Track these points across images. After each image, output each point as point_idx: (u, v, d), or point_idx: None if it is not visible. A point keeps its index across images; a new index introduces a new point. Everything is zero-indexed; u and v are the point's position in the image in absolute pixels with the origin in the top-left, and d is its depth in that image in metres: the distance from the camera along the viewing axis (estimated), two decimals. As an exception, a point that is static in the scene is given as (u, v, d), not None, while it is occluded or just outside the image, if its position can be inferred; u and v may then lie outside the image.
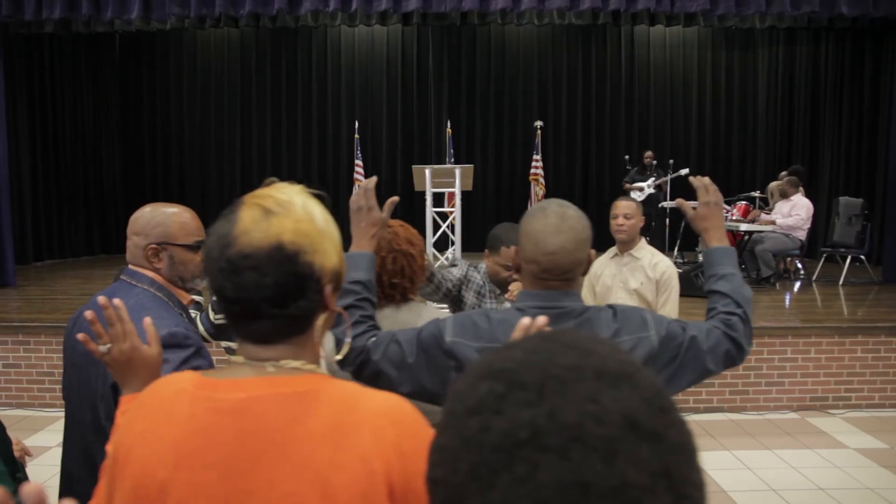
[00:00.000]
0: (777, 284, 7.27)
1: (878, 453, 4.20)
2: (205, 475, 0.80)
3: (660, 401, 0.46)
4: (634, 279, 3.24)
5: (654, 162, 8.95)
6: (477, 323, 1.38)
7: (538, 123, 10.53)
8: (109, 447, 0.98)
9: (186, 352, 1.47)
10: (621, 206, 3.30)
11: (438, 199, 7.40)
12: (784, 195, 7.38)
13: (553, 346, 0.49)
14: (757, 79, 11.28)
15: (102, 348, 1.15)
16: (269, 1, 6.89)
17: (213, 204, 11.18)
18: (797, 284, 7.62)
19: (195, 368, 1.32)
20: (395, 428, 0.81)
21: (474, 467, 0.44)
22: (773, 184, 8.68)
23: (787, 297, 6.85)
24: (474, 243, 10.66)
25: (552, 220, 1.35)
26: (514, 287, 2.28)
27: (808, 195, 7.67)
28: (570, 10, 7.57)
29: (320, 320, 0.89)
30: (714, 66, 11.36)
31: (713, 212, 1.68)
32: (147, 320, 1.19)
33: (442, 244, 6.05)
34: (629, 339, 1.37)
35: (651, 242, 8.71)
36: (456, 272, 2.57)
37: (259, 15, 7.67)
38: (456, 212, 5.56)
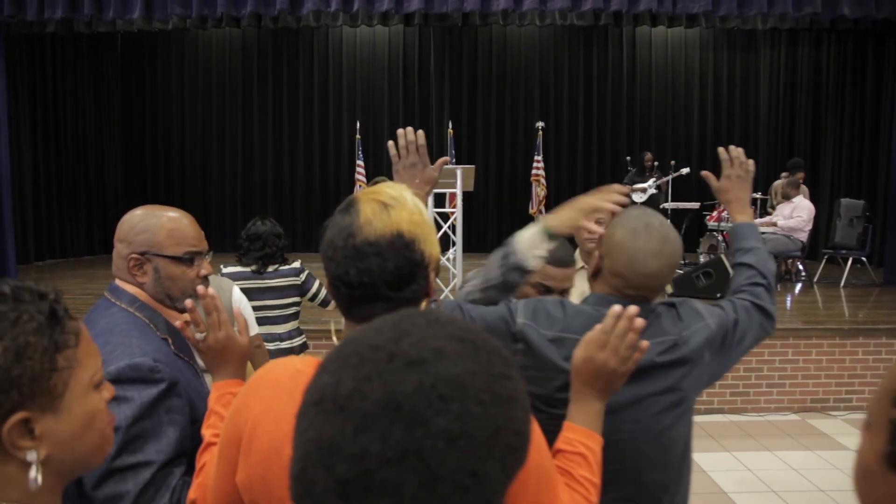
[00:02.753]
0: (778, 286, 7.26)
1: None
2: None
3: (445, 389, 0.49)
4: None
5: (655, 163, 8.93)
6: (551, 312, 1.35)
7: (539, 124, 10.52)
8: (206, 431, 1.16)
9: (153, 389, 1.20)
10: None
11: (440, 200, 7.40)
12: (786, 197, 7.37)
13: (385, 325, 0.55)
14: (758, 80, 11.27)
15: (199, 336, 1.23)
16: (270, 1, 6.89)
17: (215, 203, 11.19)
18: (798, 286, 7.62)
19: (168, 410, 1.20)
20: None
21: (298, 414, 0.55)
22: (777, 183, 8.68)
23: (789, 299, 6.84)
24: (475, 244, 10.67)
25: (655, 243, 1.29)
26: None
27: (809, 194, 7.67)
28: (571, 11, 7.57)
29: (422, 306, 0.97)
30: (716, 67, 11.35)
31: (735, 184, 1.67)
32: (237, 309, 1.30)
33: (443, 245, 6.03)
34: (693, 330, 1.36)
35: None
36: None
37: (261, 15, 7.68)
38: (457, 212, 5.56)
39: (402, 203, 0.95)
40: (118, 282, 1.42)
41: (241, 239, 3.26)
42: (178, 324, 1.23)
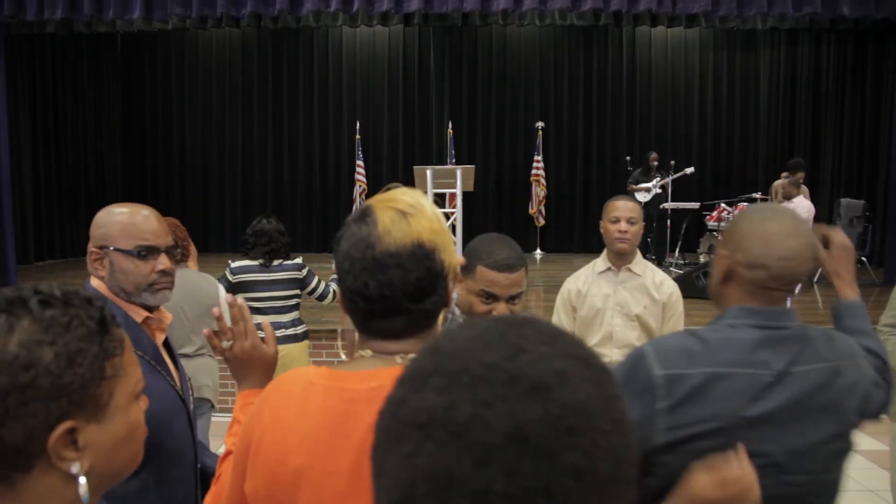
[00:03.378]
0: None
1: (878, 455, 4.20)
2: (338, 463, 0.87)
3: (573, 419, 0.45)
4: (636, 302, 2.56)
5: (656, 163, 8.91)
6: (687, 347, 1.16)
7: (539, 124, 10.53)
8: (228, 439, 1.13)
9: None
10: (623, 208, 2.53)
11: (440, 200, 7.40)
12: (788, 196, 7.36)
13: (493, 338, 0.49)
14: (758, 80, 11.27)
15: (225, 344, 1.21)
16: (270, 1, 6.89)
17: (215, 203, 11.19)
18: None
19: None
20: None
21: (386, 431, 0.49)
22: (777, 183, 8.67)
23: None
24: (475, 244, 10.65)
25: (787, 223, 1.19)
26: None
27: (810, 194, 7.67)
28: (571, 11, 7.57)
29: (441, 316, 0.96)
30: (715, 67, 11.34)
31: (841, 257, 1.46)
32: (265, 321, 1.29)
33: (443, 245, 6.05)
34: (849, 365, 1.21)
35: (653, 244, 8.74)
36: None
37: (260, 15, 7.68)
38: (457, 212, 5.56)
39: (420, 211, 0.92)
40: (91, 277, 1.47)
41: (247, 235, 3.49)
42: (205, 332, 1.23)
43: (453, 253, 0.94)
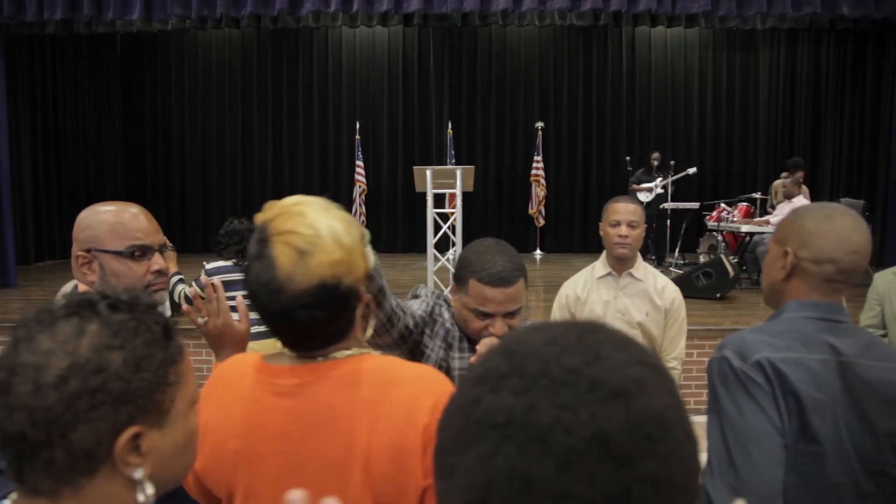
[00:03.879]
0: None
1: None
2: (268, 446, 0.97)
3: (651, 428, 0.46)
4: (638, 309, 2.45)
5: (657, 163, 8.90)
6: (759, 340, 1.20)
7: (539, 124, 10.53)
8: None
9: None
10: (624, 211, 2.39)
11: (439, 200, 7.39)
12: (789, 196, 7.36)
13: (570, 342, 0.49)
14: (758, 80, 11.27)
15: (200, 320, 1.35)
16: (270, 2, 6.89)
17: (215, 204, 11.19)
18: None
19: None
20: (431, 394, 0.95)
21: (459, 431, 0.49)
22: (777, 182, 8.68)
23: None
24: (475, 244, 10.65)
25: (850, 220, 1.23)
26: (485, 345, 1.45)
27: (810, 194, 7.67)
28: (571, 11, 7.57)
29: (359, 312, 1.01)
30: (715, 67, 11.35)
31: None
32: (239, 297, 1.32)
33: (443, 245, 6.05)
34: None
35: (653, 244, 8.73)
36: (418, 305, 1.60)
37: (260, 16, 7.68)
38: (457, 213, 5.56)
39: (318, 245, 0.92)
40: (78, 283, 1.38)
41: (219, 236, 3.64)
42: (184, 307, 1.37)
43: (359, 264, 0.97)
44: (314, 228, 0.93)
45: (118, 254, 1.32)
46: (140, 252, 1.34)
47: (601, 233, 2.50)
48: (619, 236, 2.39)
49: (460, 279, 1.49)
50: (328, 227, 0.93)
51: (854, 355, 1.18)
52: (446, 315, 1.62)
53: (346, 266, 0.94)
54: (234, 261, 3.53)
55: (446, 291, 1.75)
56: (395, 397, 0.95)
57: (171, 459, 0.72)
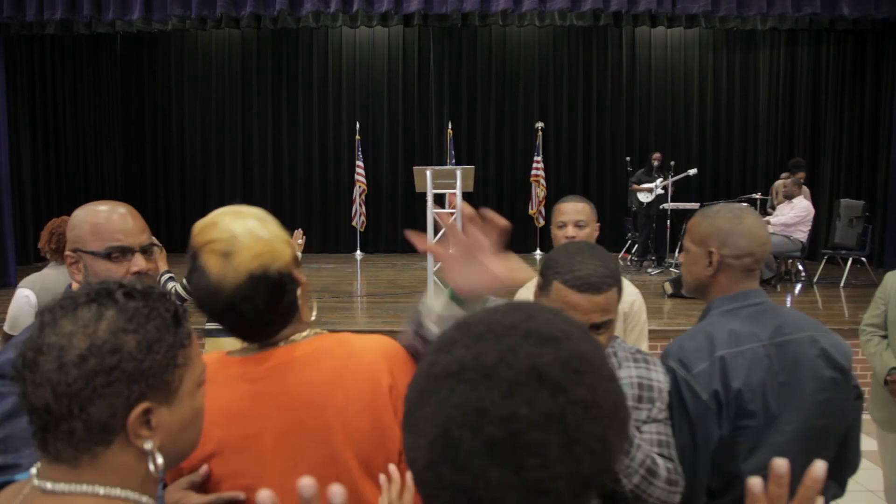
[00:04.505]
0: (778, 286, 7.26)
1: (878, 456, 4.20)
2: (251, 428, 1.06)
3: (577, 364, 0.55)
4: None
5: (657, 163, 8.89)
6: (699, 346, 1.41)
7: (539, 125, 10.53)
8: None
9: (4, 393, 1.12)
10: (570, 211, 2.26)
11: (439, 201, 7.40)
12: (789, 196, 7.37)
13: (509, 309, 0.60)
14: (758, 80, 11.28)
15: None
16: (270, 2, 6.89)
17: (214, 204, 11.01)
18: (798, 286, 7.61)
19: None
20: (385, 358, 1.08)
21: (421, 389, 0.58)
22: (777, 183, 8.68)
23: (789, 299, 6.84)
24: (475, 244, 10.64)
25: (754, 217, 1.49)
26: None
27: (810, 194, 7.67)
28: (571, 12, 7.57)
29: (299, 294, 1.09)
30: (715, 67, 11.35)
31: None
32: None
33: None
34: (823, 334, 1.46)
35: (653, 244, 8.72)
36: None
37: (260, 16, 7.68)
38: (457, 213, 5.56)
39: (237, 245, 1.03)
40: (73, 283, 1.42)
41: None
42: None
43: (283, 251, 1.06)
44: (229, 232, 1.05)
45: (97, 255, 1.33)
46: (119, 253, 1.35)
47: (552, 235, 2.35)
48: (566, 237, 2.22)
49: (544, 280, 1.36)
50: (242, 227, 1.06)
51: (775, 334, 1.39)
52: None
53: (269, 255, 1.05)
54: None
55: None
56: (358, 367, 1.06)
57: (178, 434, 0.79)
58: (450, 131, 10.07)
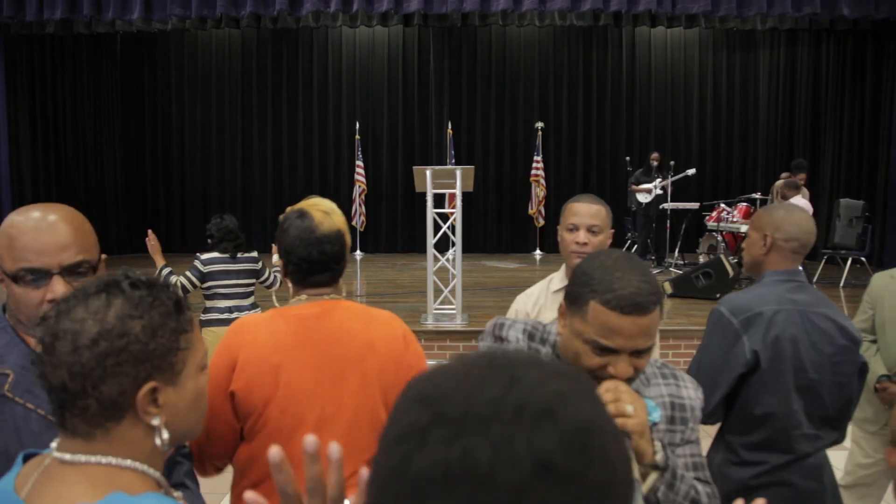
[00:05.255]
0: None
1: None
2: (304, 354, 1.45)
3: (584, 437, 0.45)
4: None
5: (656, 163, 8.90)
6: (749, 299, 1.86)
7: (539, 124, 10.53)
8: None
9: None
10: (584, 213, 2.00)
11: (439, 200, 7.40)
12: (784, 198, 7.38)
13: (483, 373, 0.48)
14: (758, 80, 11.28)
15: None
16: (270, 2, 6.90)
17: (214, 204, 11.18)
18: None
19: None
20: (395, 320, 1.60)
21: (397, 496, 0.46)
22: (778, 183, 8.68)
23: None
24: (475, 245, 10.67)
25: (803, 212, 1.90)
26: (606, 390, 1.13)
27: (810, 195, 7.67)
28: (571, 12, 7.58)
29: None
30: (715, 67, 11.35)
31: None
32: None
33: (442, 245, 6.04)
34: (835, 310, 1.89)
35: (653, 244, 8.73)
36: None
37: (260, 16, 7.68)
38: (457, 213, 5.55)
39: (334, 211, 1.57)
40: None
41: (212, 232, 4.01)
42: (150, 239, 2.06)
43: (348, 233, 1.58)
44: (328, 204, 1.58)
45: (8, 276, 1.12)
46: (32, 276, 1.11)
47: (558, 237, 2.09)
48: (577, 243, 1.98)
49: (576, 299, 1.15)
50: (333, 205, 1.60)
51: (808, 305, 1.81)
52: (545, 351, 1.30)
53: (345, 226, 1.57)
54: (228, 254, 3.94)
55: (550, 326, 1.35)
56: (378, 321, 1.56)
57: (183, 413, 0.86)
58: (450, 131, 10.06)
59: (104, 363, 0.79)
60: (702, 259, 8.32)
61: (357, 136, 10.32)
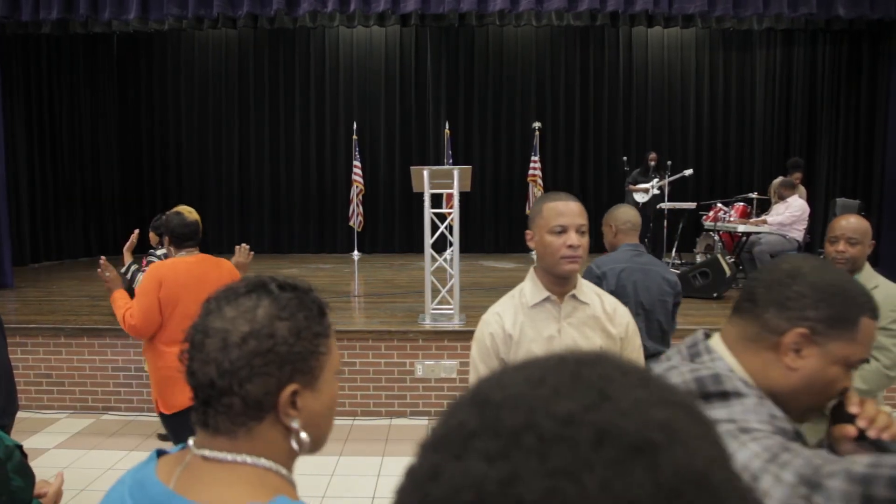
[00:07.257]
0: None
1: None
2: (191, 279, 2.91)
3: (689, 494, 0.31)
4: (589, 342, 1.83)
5: (654, 163, 8.91)
6: (609, 258, 3.01)
7: (536, 125, 10.53)
8: (120, 302, 2.95)
9: None
10: (570, 212, 1.77)
11: (437, 200, 7.39)
12: (781, 198, 7.40)
13: (564, 380, 0.35)
14: (754, 80, 11.30)
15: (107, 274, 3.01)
16: (267, 2, 6.88)
17: (212, 204, 11.18)
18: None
19: None
20: (230, 263, 3.23)
21: None
22: (775, 182, 8.70)
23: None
24: (472, 245, 10.67)
25: (627, 205, 3.05)
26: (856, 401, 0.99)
27: (807, 194, 7.69)
28: (568, 12, 7.58)
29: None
30: (712, 67, 11.37)
31: None
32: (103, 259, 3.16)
33: (440, 245, 6.04)
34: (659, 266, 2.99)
35: (650, 244, 8.76)
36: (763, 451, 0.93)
37: (257, 16, 7.67)
38: (454, 213, 5.54)
39: (193, 212, 3.14)
40: None
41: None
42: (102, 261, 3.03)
43: (200, 220, 3.07)
44: (190, 209, 3.22)
45: None
46: None
47: (531, 243, 1.85)
48: (569, 247, 1.74)
49: (841, 319, 0.95)
50: (193, 210, 3.28)
51: (644, 263, 2.81)
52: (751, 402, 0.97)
53: (199, 220, 3.16)
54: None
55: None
56: (224, 263, 3.20)
57: (318, 418, 0.86)
58: (447, 131, 10.06)
59: (252, 362, 0.79)
60: (699, 259, 8.34)
61: (354, 137, 10.31)
